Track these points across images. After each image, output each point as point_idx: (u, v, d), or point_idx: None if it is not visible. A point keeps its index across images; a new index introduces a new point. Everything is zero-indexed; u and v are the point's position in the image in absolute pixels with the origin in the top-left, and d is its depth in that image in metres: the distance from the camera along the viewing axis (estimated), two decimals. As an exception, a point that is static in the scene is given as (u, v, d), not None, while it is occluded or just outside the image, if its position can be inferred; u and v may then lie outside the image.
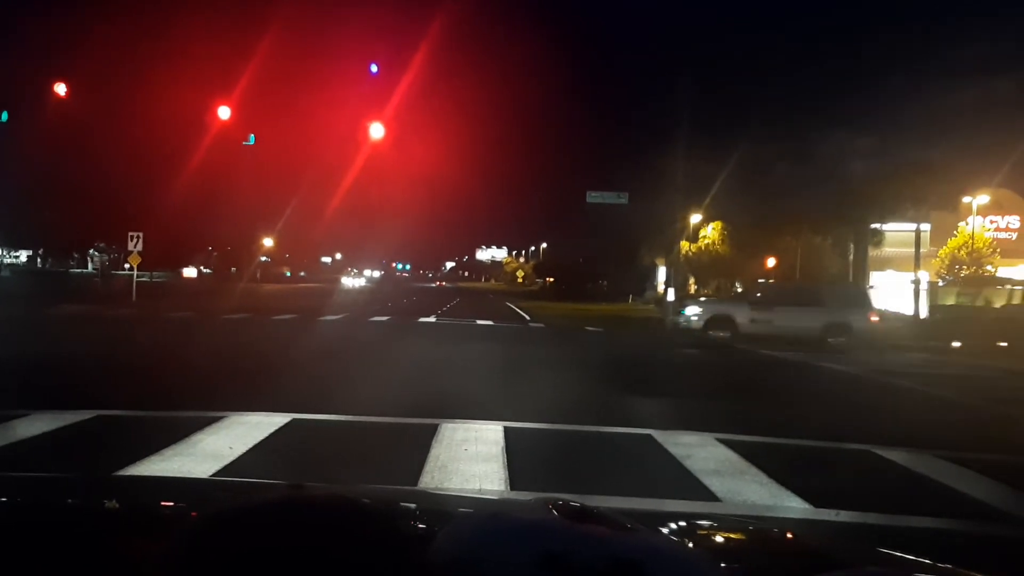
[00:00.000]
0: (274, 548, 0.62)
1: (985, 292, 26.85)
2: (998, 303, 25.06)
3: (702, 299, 28.43)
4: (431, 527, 0.94)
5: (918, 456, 6.88)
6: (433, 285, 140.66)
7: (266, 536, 0.63)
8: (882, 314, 21.77)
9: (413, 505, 1.57)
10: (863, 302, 21.90)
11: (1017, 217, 45.42)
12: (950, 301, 28.68)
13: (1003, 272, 42.84)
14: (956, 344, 21.38)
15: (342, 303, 39.61)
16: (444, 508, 1.54)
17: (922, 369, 15.86)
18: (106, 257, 72.99)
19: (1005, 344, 20.65)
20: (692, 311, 21.30)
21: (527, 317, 35.24)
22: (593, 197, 37.62)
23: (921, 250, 39.43)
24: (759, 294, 23.57)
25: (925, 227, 41.28)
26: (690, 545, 1.33)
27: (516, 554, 0.74)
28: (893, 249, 43.74)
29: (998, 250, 43.18)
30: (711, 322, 20.70)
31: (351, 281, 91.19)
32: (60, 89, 22.75)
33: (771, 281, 26.84)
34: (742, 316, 20.62)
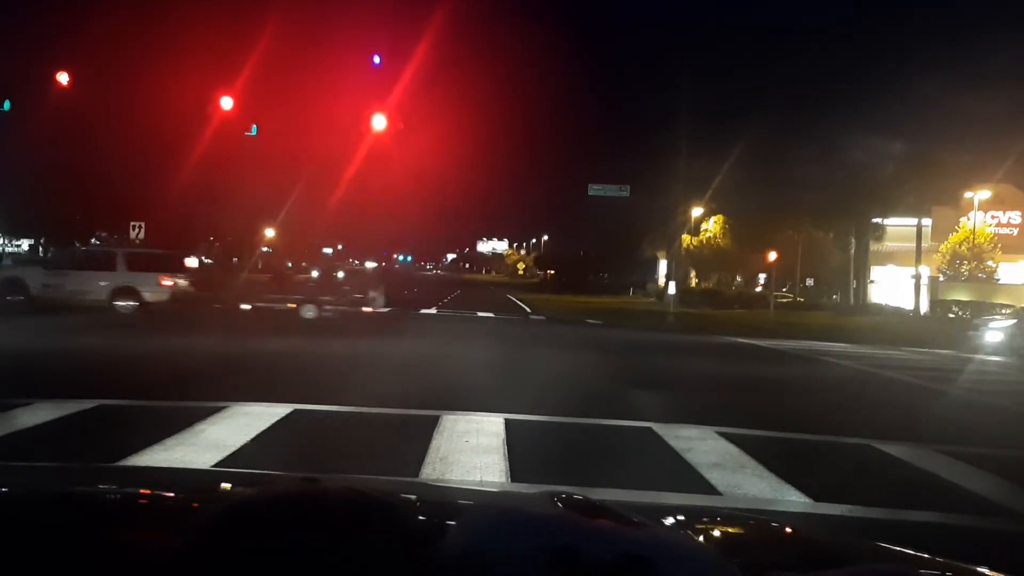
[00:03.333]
0: (289, 541, 0.63)
1: None
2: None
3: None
4: (443, 521, 0.95)
5: (917, 450, 6.90)
6: (431, 274, 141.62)
7: (281, 529, 0.64)
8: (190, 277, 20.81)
9: (424, 499, 1.58)
10: (159, 267, 20.71)
11: (1019, 212, 45.22)
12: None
13: (1004, 268, 42.83)
14: None
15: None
16: (454, 502, 1.56)
17: (918, 364, 15.87)
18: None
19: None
20: None
21: (528, 310, 35.27)
22: (595, 190, 37.60)
23: (923, 245, 39.45)
24: (52, 257, 22.74)
25: (926, 222, 41.25)
26: (700, 539, 1.34)
27: (526, 549, 0.75)
28: (895, 244, 43.73)
29: (999, 245, 43.07)
30: (3, 286, 19.76)
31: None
32: (62, 78, 22.69)
33: (80, 246, 26.61)
34: (34, 280, 19.84)
